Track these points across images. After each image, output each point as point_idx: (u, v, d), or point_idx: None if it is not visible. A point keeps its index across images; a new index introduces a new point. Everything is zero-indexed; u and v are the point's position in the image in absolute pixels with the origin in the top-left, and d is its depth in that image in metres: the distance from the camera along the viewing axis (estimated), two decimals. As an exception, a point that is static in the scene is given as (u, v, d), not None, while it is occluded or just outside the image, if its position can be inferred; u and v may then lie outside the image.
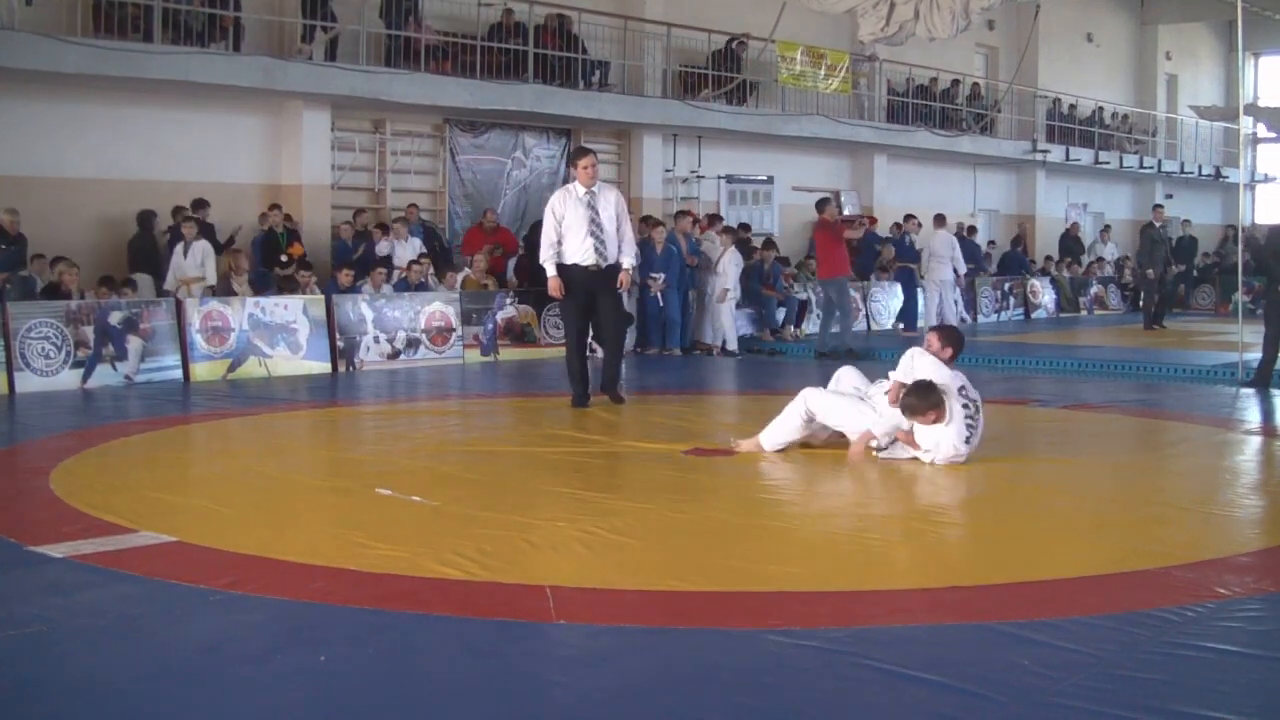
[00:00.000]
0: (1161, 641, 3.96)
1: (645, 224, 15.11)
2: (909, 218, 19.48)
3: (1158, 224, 19.00)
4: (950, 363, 7.14)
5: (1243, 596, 4.48)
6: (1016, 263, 22.71)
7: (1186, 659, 3.81)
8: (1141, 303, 19.71)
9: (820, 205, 14.84)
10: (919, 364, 7.02)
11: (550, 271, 9.36)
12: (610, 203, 9.41)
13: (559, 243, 9.31)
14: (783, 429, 7.39)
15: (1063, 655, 3.81)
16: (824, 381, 7.80)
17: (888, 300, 18.98)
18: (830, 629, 4.08)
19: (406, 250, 13.97)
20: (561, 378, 12.28)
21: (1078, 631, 4.03)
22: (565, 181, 17.36)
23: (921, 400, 6.80)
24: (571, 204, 9.30)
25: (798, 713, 3.42)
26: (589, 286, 9.35)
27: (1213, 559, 5.02)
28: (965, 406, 6.85)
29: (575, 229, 9.25)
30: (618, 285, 9.48)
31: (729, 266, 14.63)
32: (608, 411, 9.57)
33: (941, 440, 6.84)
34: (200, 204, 13.12)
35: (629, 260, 9.53)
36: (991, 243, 23.33)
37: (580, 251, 9.27)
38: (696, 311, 15.07)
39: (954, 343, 7.29)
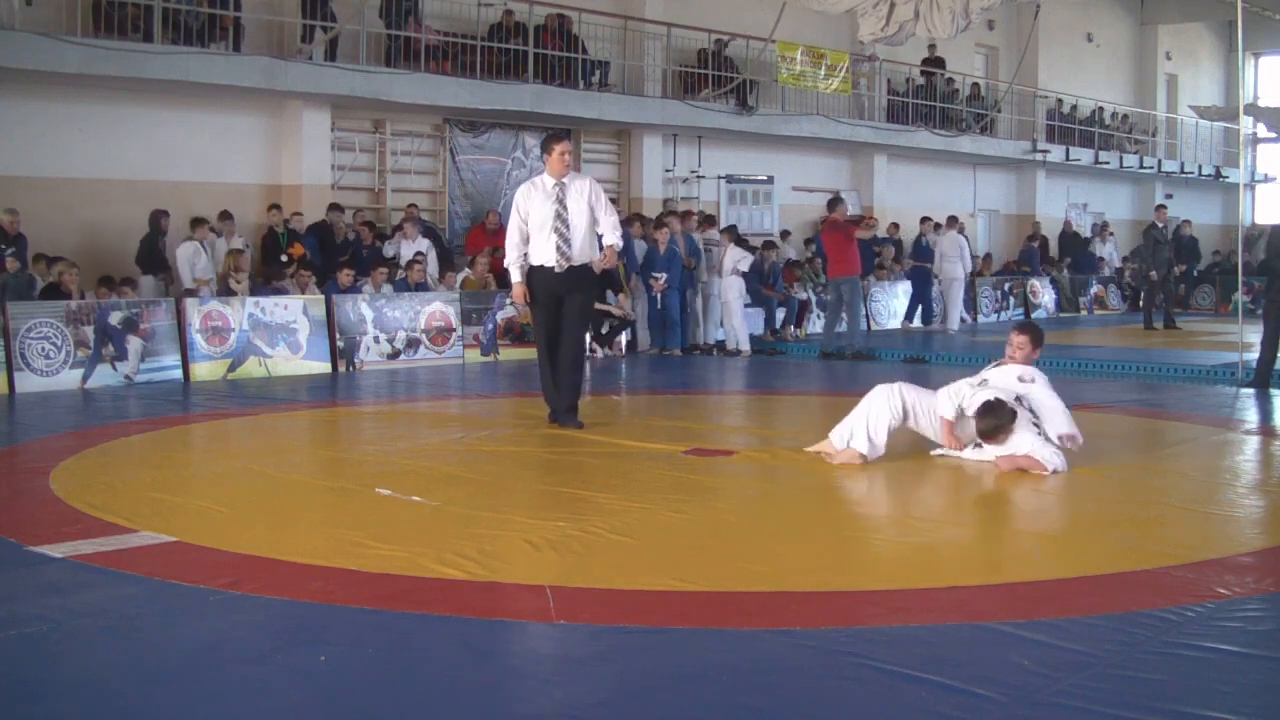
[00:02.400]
0: (1161, 641, 3.96)
1: (647, 224, 15.12)
2: (925, 220, 19.78)
3: (1160, 224, 19.00)
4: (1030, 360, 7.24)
5: (1243, 596, 4.48)
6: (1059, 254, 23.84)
7: (1186, 659, 3.81)
8: (1141, 303, 19.72)
9: (831, 205, 14.88)
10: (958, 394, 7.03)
11: (515, 277, 8.42)
12: (583, 193, 8.35)
13: (526, 243, 8.36)
14: (874, 426, 7.09)
15: (1063, 655, 3.81)
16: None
17: (888, 300, 19.05)
18: (830, 629, 4.08)
19: (414, 250, 13.97)
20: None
21: (1078, 631, 4.03)
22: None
23: (997, 418, 6.73)
24: (538, 199, 8.28)
25: (798, 713, 3.42)
26: (555, 290, 8.36)
27: (1213, 559, 5.01)
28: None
29: (541, 226, 8.27)
30: (593, 268, 8.54)
31: (729, 263, 14.64)
32: (606, 413, 9.58)
33: (1035, 451, 6.76)
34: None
35: (612, 236, 8.43)
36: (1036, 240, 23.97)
37: (544, 252, 8.29)
38: (695, 312, 15.09)
39: (1038, 341, 7.38)
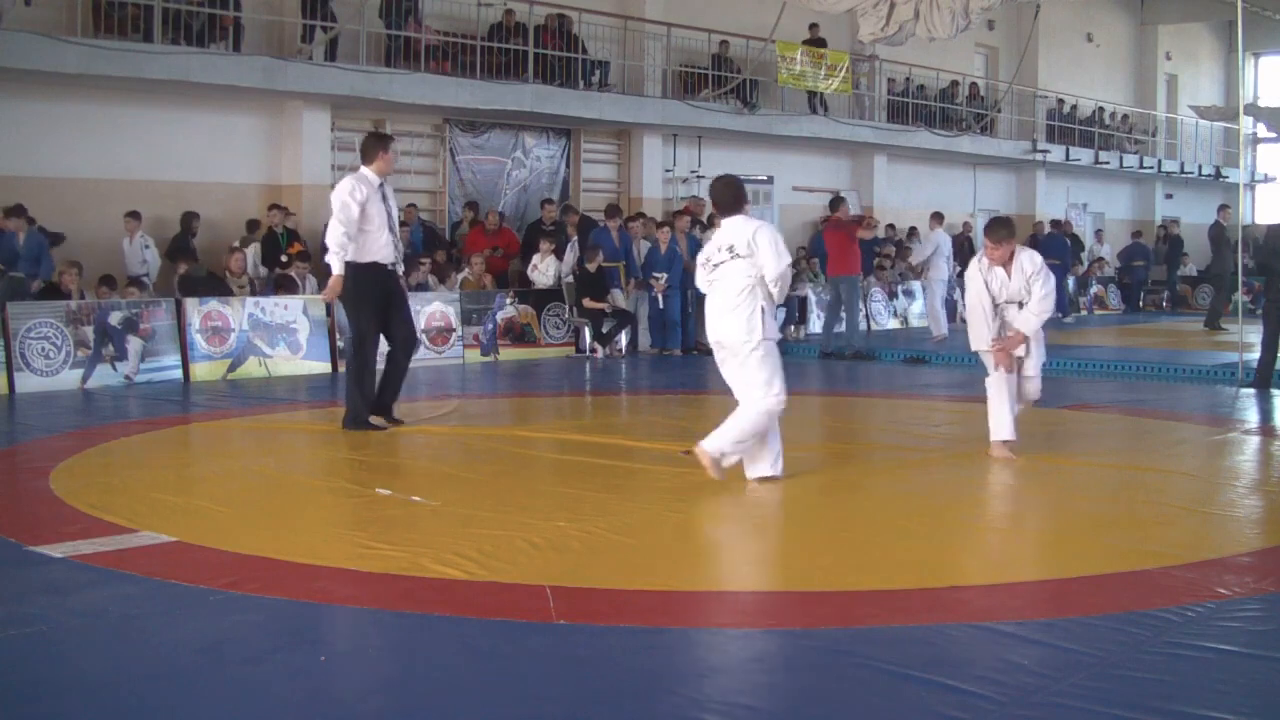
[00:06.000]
0: (1161, 641, 3.96)
1: (648, 224, 15.12)
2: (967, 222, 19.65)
3: (1225, 223, 18.93)
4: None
5: (1243, 596, 4.48)
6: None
7: (1186, 659, 3.81)
8: (1210, 303, 19.29)
9: (834, 204, 14.93)
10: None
11: (338, 269, 8.14)
12: (391, 195, 8.45)
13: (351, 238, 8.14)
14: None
15: (1063, 655, 3.81)
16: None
17: (888, 300, 19.07)
18: (830, 629, 4.08)
19: None
20: (561, 376, 12.33)
21: (1078, 631, 4.03)
22: (565, 182, 17.50)
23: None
24: (371, 195, 8.20)
25: (798, 713, 3.42)
26: (388, 288, 8.41)
27: (1213, 559, 5.02)
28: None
29: (380, 224, 8.23)
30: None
31: None
32: (607, 411, 9.59)
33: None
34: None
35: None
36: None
37: (380, 249, 8.25)
38: (696, 312, 15.09)
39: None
